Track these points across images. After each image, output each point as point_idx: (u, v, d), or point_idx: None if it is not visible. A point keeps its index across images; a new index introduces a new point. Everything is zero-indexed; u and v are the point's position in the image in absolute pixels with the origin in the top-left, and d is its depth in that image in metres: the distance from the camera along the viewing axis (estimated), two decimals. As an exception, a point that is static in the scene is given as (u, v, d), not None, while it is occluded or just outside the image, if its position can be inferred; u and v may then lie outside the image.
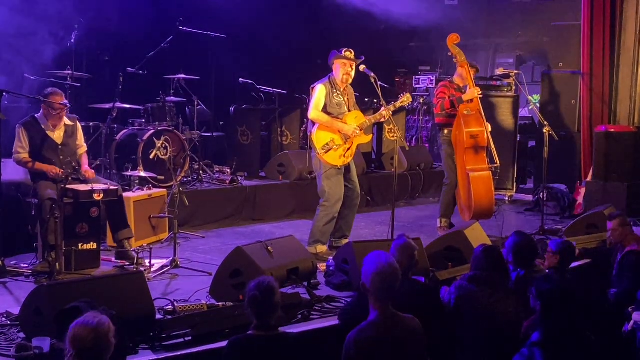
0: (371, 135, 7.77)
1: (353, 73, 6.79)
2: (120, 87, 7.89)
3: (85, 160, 6.51)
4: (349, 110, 6.82)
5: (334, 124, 6.69)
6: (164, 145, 7.80)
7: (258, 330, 3.71)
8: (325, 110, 6.67)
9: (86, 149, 6.61)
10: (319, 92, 6.67)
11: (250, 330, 3.74)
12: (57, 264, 5.66)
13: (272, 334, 3.73)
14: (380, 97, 6.88)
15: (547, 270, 5.22)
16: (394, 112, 7.43)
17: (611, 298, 5.52)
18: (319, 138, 6.66)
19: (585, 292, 4.87)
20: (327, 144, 6.65)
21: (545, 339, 3.76)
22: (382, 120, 7.01)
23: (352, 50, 6.78)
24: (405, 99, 6.99)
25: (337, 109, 6.73)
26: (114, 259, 6.31)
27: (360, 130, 6.76)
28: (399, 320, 3.79)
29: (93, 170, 6.52)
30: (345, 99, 6.81)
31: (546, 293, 3.81)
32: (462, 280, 4.56)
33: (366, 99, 10.22)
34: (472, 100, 7.50)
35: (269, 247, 5.46)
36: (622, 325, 4.76)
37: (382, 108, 6.88)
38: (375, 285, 3.75)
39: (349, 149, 6.74)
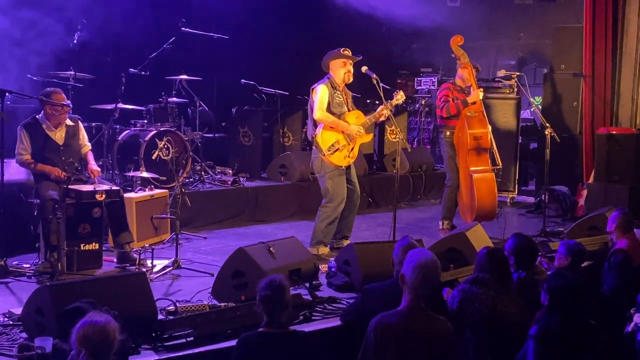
0: (372, 134, 7.78)
1: (352, 71, 6.81)
2: (123, 87, 7.89)
3: (91, 159, 6.51)
4: (349, 110, 6.84)
5: (339, 124, 6.69)
6: (166, 146, 7.82)
7: (269, 328, 3.75)
8: (328, 109, 6.68)
9: (90, 147, 6.61)
10: (322, 92, 6.67)
11: (260, 328, 3.77)
12: (59, 264, 5.67)
13: (283, 331, 3.77)
14: (383, 98, 6.88)
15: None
16: (396, 114, 7.44)
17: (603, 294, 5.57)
18: (325, 139, 6.66)
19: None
20: (333, 145, 6.65)
21: (540, 332, 3.83)
22: (382, 118, 7.02)
23: (349, 49, 6.80)
24: (400, 97, 7.00)
25: (338, 108, 6.74)
26: (115, 261, 6.31)
27: (363, 129, 6.78)
28: (426, 317, 3.77)
29: (99, 169, 6.52)
30: (344, 98, 6.82)
31: (557, 287, 3.88)
32: (465, 283, 4.56)
33: (368, 100, 10.23)
34: (475, 102, 7.51)
35: (270, 248, 5.47)
36: (622, 327, 4.76)
37: (381, 107, 6.89)
38: (415, 278, 3.72)
39: (352, 149, 6.75)
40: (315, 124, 6.74)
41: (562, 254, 5.40)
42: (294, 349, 3.73)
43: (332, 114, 6.69)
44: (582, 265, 6.06)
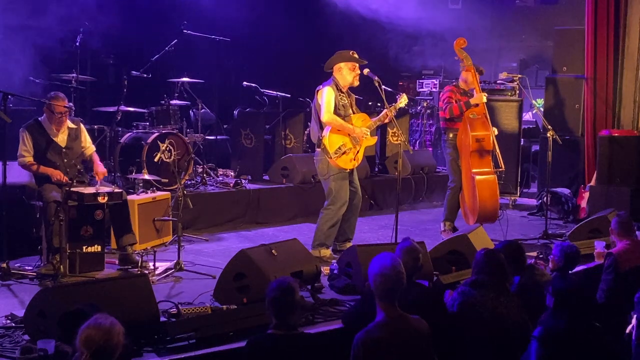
0: (376, 137, 7.78)
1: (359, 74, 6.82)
2: (125, 90, 7.91)
3: (96, 159, 6.51)
4: (353, 112, 6.83)
5: (346, 127, 6.68)
6: (168, 149, 7.82)
7: (277, 330, 3.77)
8: (334, 112, 6.67)
9: (94, 148, 6.62)
10: (328, 95, 6.65)
11: (269, 330, 3.79)
12: (61, 266, 5.67)
13: (292, 333, 3.79)
14: (384, 100, 6.88)
15: (552, 273, 5.24)
16: (397, 116, 7.42)
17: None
18: (332, 142, 6.65)
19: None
20: (340, 148, 6.65)
21: (544, 333, 3.84)
22: (386, 121, 7.02)
23: (355, 52, 6.81)
24: (403, 99, 7.02)
25: (343, 110, 6.73)
26: (117, 263, 6.32)
27: (369, 132, 6.79)
28: (406, 322, 3.80)
29: (105, 170, 6.52)
30: (349, 100, 6.82)
31: (562, 289, 3.89)
32: (464, 285, 4.56)
33: (370, 103, 10.23)
34: (478, 104, 7.51)
35: (272, 251, 5.47)
36: (614, 329, 4.77)
37: (385, 109, 6.89)
38: (378, 286, 3.79)
39: (357, 152, 6.75)
40: (321, 126, 6.72)
41: (555, 256, 5.41)
42: (302, 350, 3.74)
43: (338, 116, 6.69)
44: (583, 267, 6.10)
